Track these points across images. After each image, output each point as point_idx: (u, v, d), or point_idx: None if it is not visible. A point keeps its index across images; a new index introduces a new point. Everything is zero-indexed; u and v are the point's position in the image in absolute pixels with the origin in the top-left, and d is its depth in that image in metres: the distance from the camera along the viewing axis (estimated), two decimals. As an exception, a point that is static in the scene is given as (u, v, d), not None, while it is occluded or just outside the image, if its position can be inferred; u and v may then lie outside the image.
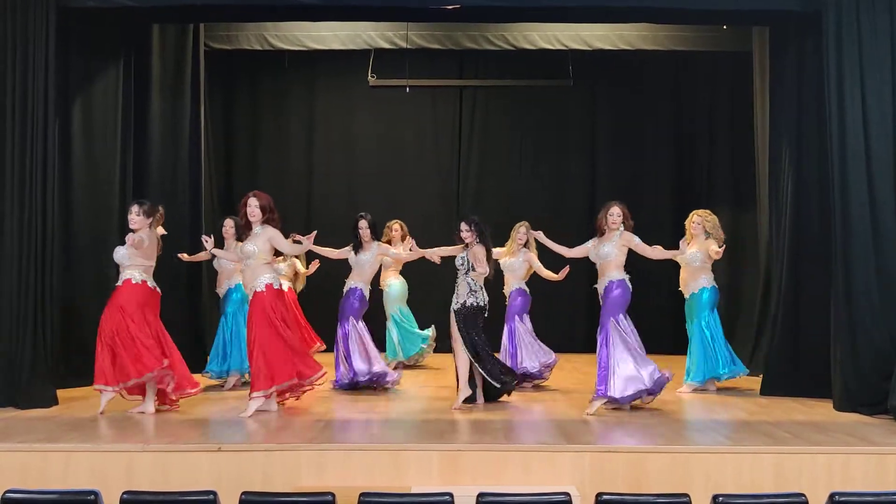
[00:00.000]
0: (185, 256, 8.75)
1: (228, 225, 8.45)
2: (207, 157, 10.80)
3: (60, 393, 7.62)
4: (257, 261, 7.09)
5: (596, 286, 7.53)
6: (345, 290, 8.49)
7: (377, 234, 8.59)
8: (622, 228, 7.39)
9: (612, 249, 7.37)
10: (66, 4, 7.74)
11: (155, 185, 9.49)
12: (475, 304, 7.57)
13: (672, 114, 12.19)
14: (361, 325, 8.46)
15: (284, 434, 6.30)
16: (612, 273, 7.38)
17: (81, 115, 8.59)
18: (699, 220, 8.53)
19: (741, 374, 8.58)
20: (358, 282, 8.44)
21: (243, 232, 7.25)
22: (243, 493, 4.35)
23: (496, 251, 8.28)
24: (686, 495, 4.33)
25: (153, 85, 9.55)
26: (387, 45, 10.88)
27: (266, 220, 7.12)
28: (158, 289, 7.28)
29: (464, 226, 7.71)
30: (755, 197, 10.16)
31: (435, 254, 8.05)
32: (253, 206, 7.11)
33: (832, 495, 4.35)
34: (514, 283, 8.79)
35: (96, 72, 8.74)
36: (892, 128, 7.50)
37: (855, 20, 7.55)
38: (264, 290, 7.04)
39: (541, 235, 7.87)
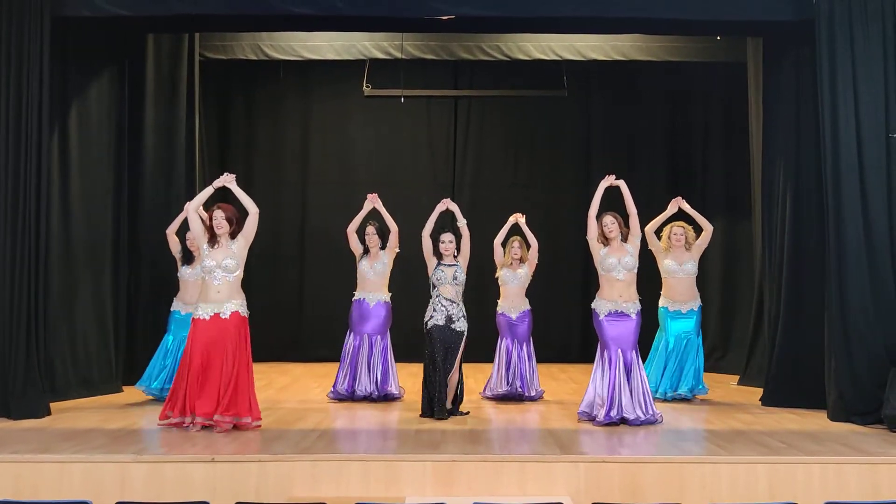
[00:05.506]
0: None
1: (192, 238, 7.94)
2: (202, 167, 10.78)
3: (53, 404, 7.59)
4: (237, 277, 6.93)
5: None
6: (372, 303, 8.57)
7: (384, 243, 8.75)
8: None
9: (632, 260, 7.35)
10: (60, 14, 7.73)
11: (149, 195, 9.48)
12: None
13: (666, 124, 12.19)
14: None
15: (278, 444, 6.28)
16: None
17: (76, 125, 8.56)
18: (681, 232, 8.44)
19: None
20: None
21: (211, 243, 6.93)
22: (237, 503, 4.35)
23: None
24: (680, 505, 4.35)
25: (148, 95, 9.54)
26: (382, 56, 10.88)
27: (233, 233, 6.92)
28: None
29: (448, 237, 7.75)
30: (750, 208, 10.16)
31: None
32: (219, 219, 6.87)
33: (826, 505, 4.37)
34: (521, 301, 8.66)
35: (91, 81, 8.73)
36: (885, 136, 7.52)
37: (847, 29, 7.60)
38: (239, 312, 6.89)
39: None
